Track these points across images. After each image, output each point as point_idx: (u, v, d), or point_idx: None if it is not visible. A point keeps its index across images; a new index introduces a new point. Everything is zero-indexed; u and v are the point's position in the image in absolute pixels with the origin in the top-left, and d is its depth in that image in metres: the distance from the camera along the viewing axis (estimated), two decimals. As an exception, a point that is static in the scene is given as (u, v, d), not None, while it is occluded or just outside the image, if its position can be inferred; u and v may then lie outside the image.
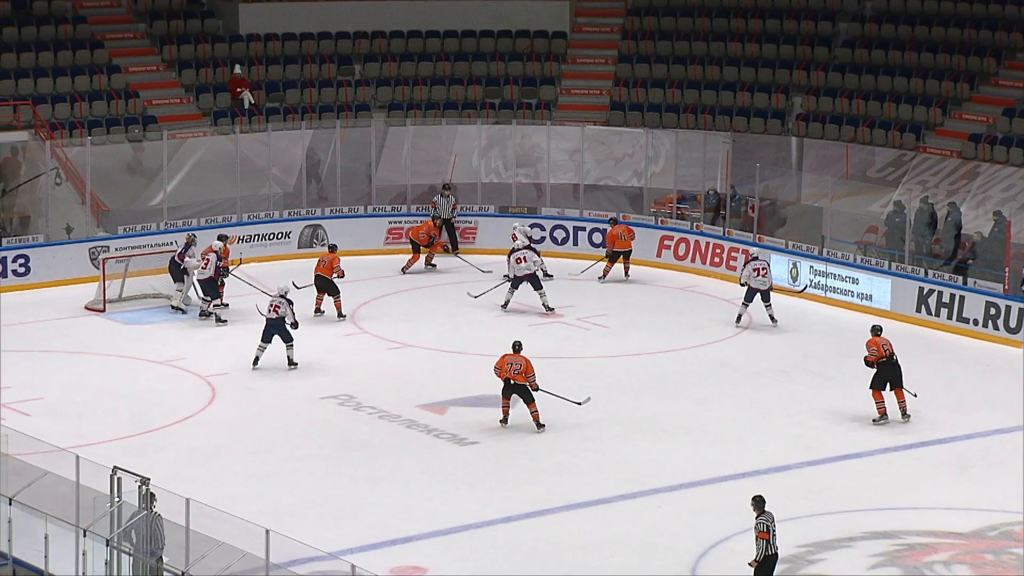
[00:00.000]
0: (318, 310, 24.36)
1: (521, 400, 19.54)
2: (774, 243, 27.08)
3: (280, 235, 28.33)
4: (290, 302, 21.93)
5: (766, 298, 24.01)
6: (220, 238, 24.77)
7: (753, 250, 25.17)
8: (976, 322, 24.15)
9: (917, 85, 30.01)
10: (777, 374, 21.64)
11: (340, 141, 29.36)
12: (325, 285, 24.30)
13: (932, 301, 24.59)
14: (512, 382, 19.41)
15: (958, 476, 18.61)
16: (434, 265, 27.58)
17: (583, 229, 28.86)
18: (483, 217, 28.65)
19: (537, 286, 24.76)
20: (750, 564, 14.58)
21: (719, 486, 18.05)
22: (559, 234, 29.01)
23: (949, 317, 24.25)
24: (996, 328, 23.89)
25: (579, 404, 19.96)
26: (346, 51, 32.30)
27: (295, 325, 21.90)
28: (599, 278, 27.05)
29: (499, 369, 19.50)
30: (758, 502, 14.58)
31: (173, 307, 24.61)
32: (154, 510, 13.80)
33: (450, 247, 28.31)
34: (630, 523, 17.00)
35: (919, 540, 16.61)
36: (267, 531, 12.98)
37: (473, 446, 19.31)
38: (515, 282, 24.75)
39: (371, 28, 32.49)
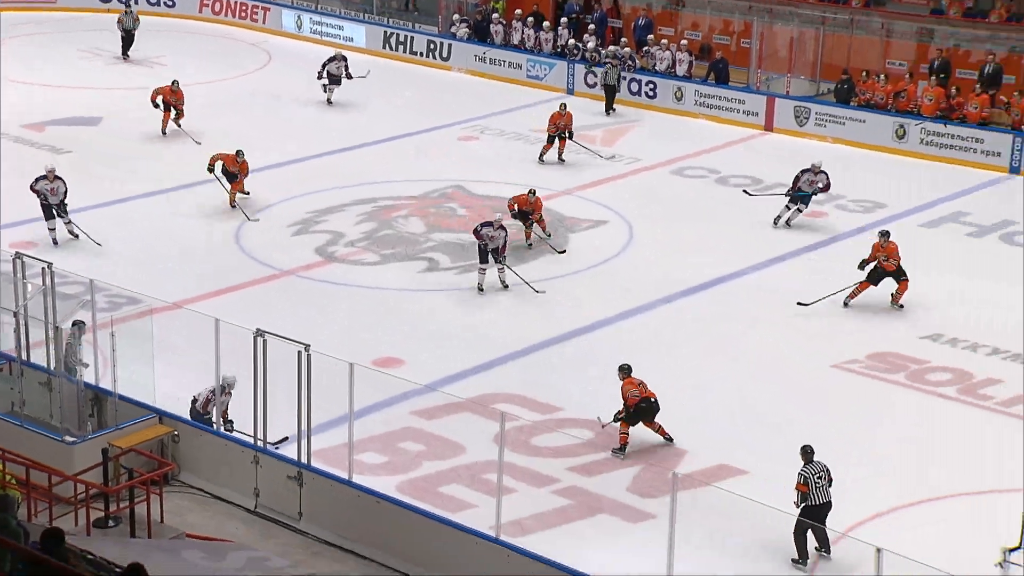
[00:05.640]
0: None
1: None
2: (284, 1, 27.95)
3: None
4: None
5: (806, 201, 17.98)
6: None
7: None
8: (422, 55, 26.14)
9: None
10: (292, 101, 22.97)
11: None
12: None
13: (393, 41, 26.40)
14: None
15: (416, 159, 20.53)
16: None
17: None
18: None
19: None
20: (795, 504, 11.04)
21: (292, 203, 18.36)
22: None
23: (404, 52, 26.11)
24: (435, 58, 26.00)
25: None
26: None
27: None
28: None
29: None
30: (805, 451, 11.06)
31: None
32: None
33: None
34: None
35: (388, 203, 18.56)
36: None
37: (68, 155, 19.82)
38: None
39: None
